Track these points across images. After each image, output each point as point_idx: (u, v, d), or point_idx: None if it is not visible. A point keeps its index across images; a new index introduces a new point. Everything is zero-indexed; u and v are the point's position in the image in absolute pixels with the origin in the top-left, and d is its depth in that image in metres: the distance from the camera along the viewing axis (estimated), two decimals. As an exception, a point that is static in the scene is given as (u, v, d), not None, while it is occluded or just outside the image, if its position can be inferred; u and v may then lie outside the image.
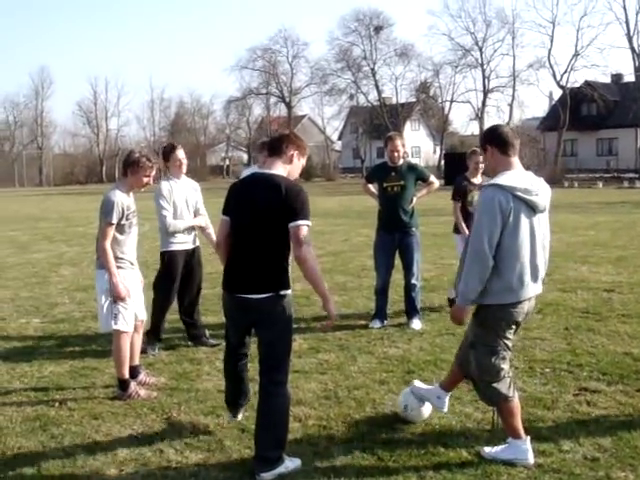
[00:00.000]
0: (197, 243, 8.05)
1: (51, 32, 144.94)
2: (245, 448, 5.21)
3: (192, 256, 7.95)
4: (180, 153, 7.82)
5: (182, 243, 7.82)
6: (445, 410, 5.54)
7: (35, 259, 16.09)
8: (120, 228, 6.31)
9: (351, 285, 11.75)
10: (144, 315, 6.76)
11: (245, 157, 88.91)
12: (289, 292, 4.93)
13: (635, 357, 7.18)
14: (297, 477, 4.75)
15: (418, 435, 5.39)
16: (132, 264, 6.53)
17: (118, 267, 6.27)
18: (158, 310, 7.93)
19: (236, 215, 4.97)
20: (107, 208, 6.22)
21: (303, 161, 5.13)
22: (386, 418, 5.76)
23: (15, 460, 5.10)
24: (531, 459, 4.83)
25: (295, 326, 8.61)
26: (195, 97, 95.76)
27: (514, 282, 4.72)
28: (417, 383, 5.70)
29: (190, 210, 7.85)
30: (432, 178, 9.12)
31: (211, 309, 9.86)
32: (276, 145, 5.04)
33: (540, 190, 4.76)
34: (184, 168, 7.85)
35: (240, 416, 5.66)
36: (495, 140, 4.86)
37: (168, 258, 7.82)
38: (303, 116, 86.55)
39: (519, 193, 4.64)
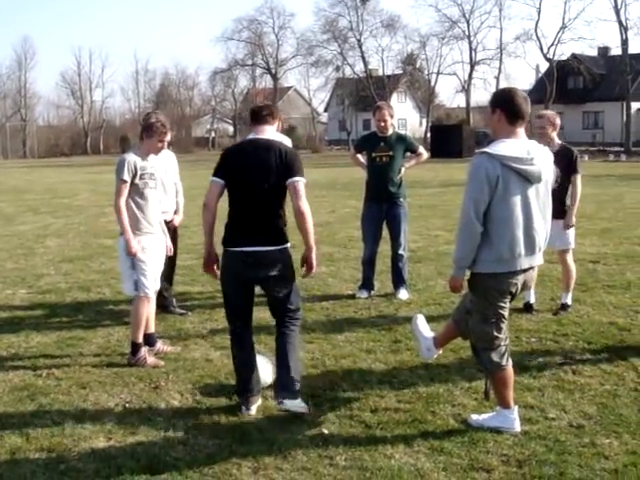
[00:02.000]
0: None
1: (34, 1, 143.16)
2: (233, 416, 5.23)
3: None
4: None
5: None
6: (430, 360, 5.73)
7: (20, 231, 15.99)
8: (135, 188, 6.34)
9: (338, 256, 11.77)
10: (158, 284, 6.77)
11: (231, 129, 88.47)
12: (289, 245, 5.38)
13: (620, 327, 7.25)
14: (285, 445, 4.77)
15: (405, 403, 5.42)
16: (154, 229, 6.55)
17: (139, 232, 6.35)
18: None
19: (238, 176, 5.29)
20: (119, 167, 6.31)
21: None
22: (373, 386, 5.79)
23: (3, 429, 5.10)
24: (518, 427, 4.86)
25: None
26: (180, 68, 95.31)
27: (505, 252, 4.64)
28: (420, 319, 5.67)
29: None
30: (421, 149, 9.09)
31: (198, 279, 9.86)
32: (265, 114, 5.52)
33: (537, 159, 4.62)
34: None
35: (254, 409, 5.35)
36: (506, 106, 4.72)
37: None
38: (289, 88, 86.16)
39: (509, 162, 4.53)
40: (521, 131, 4.73)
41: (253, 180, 5.25)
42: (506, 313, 4.88)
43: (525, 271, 4.79)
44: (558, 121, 7.73)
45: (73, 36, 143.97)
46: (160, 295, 8.06)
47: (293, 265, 5.37)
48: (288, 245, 5.32)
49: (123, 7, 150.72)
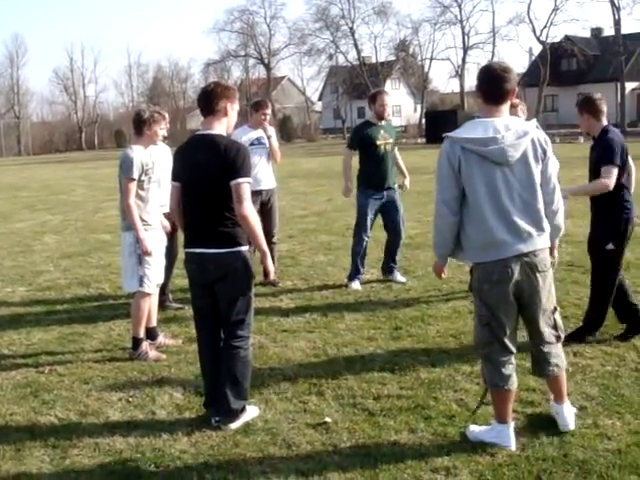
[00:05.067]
0: None
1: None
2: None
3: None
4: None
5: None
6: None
7: (18, 228, 15.98)
8: (140, 185, 6.36)
9: (336, 244, 11.77)
10: (161, 278, 6.81)
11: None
12: (246, 248, 5.01)
13: (620, 307, 7.25)
14: (289, 434, 4.79)
15: (408, 389, 5.44)
16: (156, 224, 6.58)
17: (144, 227, 6.35)
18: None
19: (185, 177, 5.06)
20: (126, 165, 6.30)
21: (236, 106, 5.17)
22: (375, 374, 5.81)
23: (8, 427, 5.12)
24: (513, 445, 4.47)
25: (281, 286, 8.76)
26: (173, 61, 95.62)
27: (480, 239, 4.31)
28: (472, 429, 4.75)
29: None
30: (396, 149, 9.08)
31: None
32: (207, 104, 5.06)
33: (507, 139, 4.22)
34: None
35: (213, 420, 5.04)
36: (480, 86, 4.40)
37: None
38: (282, 77, 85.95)
39: (467, 144, 4.23)
40: (502, 108, 4.35)
41: (195, 180, 4.98)
42: (506, 319, 4.41)
43: (517, 260, 4.32)
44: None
45: (65, 32, 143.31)
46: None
47: (247, 273, 4.99)
48: (241, 249, 4.95)
49: (114, 1, 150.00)
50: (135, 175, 6.28)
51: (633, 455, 4.30)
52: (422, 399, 5.24)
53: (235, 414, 4.97)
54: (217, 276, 4.96)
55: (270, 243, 9.00)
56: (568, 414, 4.66)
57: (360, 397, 5.35)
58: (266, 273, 5.12)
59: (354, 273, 8.93)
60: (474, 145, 4.24)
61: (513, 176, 4.29)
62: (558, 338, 4.61)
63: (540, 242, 4.39)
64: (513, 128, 4.30)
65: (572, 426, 4.64)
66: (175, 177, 5.16)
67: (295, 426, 4.92)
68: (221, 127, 5.07)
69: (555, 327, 4.57)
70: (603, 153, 6.11)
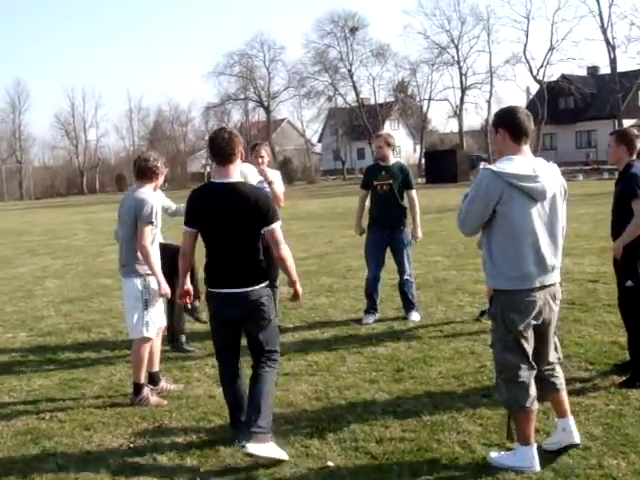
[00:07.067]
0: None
1: (25, 44, 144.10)
2: (238, 452, 5.19)
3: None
4: None
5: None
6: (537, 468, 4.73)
7: (19, 273, 15.98)
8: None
9: (337, 286, 11.75)
10: (164, 322, 6.83)
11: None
12: (267, 282, 5.34)
13: (622, 346, 7.22)
14: (292, 478, 4.75)
15: (410, 432, 5.40)
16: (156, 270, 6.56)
17: (150, 272, 6.36)
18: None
19: (209, 224, 5.25)
20: (146, 209, 6.31)
21: None
22: (378, 417, 5.77)
23: (8, 475, 5.07)
24: (537, 466, 4.66)
25: (283, 328, 8.73)
26: (173, 105, 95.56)
27: (511, 271, 4.55)
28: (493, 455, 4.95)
29: None
30: (414, 193, 9.14)
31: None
32: (227, 152, 5.23)
33: (542, 176, 4.51)
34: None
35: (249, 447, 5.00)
36: (509, 126, 4.65)
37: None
38: (282, 120, 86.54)
39: (513, 180, 4.44)
40: (526, 148, 4.67)
41: (222, 228, 5.18)
42: (528, 343, 4.68)
43: (542, 290, 4.63)
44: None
45: (66, 77, 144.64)
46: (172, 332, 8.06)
47: (271, 305, 5.34)
48: (264, 284, 5.27)
49: (114, 46, 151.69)
50: (153, 219, 6.34)
51: (638, 496, 4.26)
52: (425, 442, 5.21)
53: (265, 433, 5.04)
54: (246, 313, 5.27)
55: (272, 287, 9.04)
56: (574, 427, 4.93)
57: (362, 440, 5.31)
58: (296, 295, 5.50)
59: (366, 308, 9.21)
60: (520, 181, 4.48)
61: (544, 212, 4.62)
62: (559, 359, 4.99)
63: (558, 275, 4.76)
64: (545, 167, 4.63)
65: (578, 439, 4.91)
66: (192, 223, 5.32)
67: (297, 471, 4.89)
68: (237, 173, 5.31)
69: (556, 349, 4.96)
70: (629, 186, 6.20)
